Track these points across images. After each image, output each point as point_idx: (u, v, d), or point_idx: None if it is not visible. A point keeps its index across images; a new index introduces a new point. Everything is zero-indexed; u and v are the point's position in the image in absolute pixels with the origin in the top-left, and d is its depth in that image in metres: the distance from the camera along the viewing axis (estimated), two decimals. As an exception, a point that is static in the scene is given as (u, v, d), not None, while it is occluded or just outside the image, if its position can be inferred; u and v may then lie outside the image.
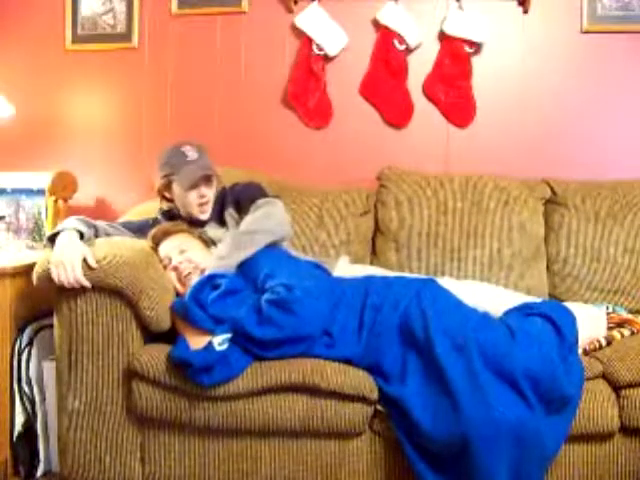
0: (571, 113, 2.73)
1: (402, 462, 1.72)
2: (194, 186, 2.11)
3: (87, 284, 1.75)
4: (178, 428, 1.82)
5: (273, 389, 1.75)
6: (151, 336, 1.87)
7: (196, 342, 1.73)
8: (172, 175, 2.12)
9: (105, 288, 1.78)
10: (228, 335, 1.73)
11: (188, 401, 1.76)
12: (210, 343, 1.71)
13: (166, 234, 2.00)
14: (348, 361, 1.79)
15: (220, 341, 1.71)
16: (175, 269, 1.93)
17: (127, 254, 1.82)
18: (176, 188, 2.14)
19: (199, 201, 2.13)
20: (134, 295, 1.78)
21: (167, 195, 2.20)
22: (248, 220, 2.03)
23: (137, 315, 1.81)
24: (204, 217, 2.15)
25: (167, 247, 1.97)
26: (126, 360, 1.81)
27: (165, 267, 1.95)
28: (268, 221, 2.02)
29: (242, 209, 2.11)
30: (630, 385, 1.72)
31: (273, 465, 1.80)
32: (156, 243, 1.99)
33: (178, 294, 1.91)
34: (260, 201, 2.08)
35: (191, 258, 1.93)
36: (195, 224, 2.14)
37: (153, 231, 2.02)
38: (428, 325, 1.72)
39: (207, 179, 2.14)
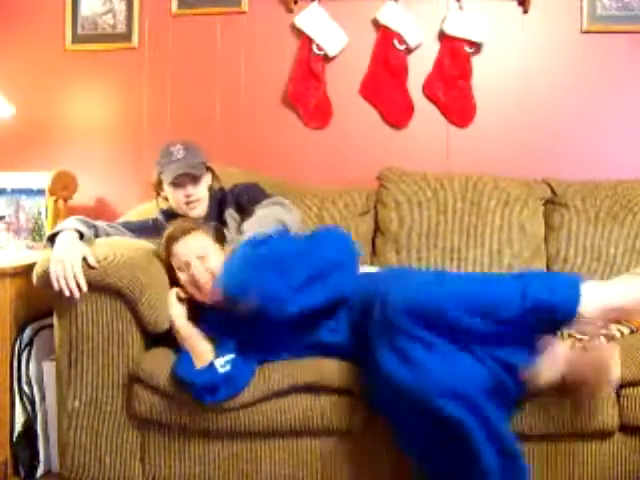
0: (571, 113, 2.73)
1: (402, 462, 1.72)
2: (178, 185, 2.12)
3: (85, 287, 1.74)
4: (178, 429, 1.82)
5: (275, 394, 1.75)
6: (152, 336, 1.87)
7: (199, 359, 1.75)
8: (160, 174, 2.15)
9: (105, 288, 1.78)
10: (231, 356, 1.74)
11: (189, 407, 1.76)
12: (212, 364, 1.71)
13: (184, 232, 1.88)
14: (352, 349, 1.79)
15: (222, 363, 1.72)
16: (192, 277, 1.83)
17: (127, 254, 1.82)
18: (165, 186, 2.16)
19: (185, 200, 2.13)
20: (134, 295, 1.78)
21: (161, 194, 2.22)
22: (259, 213, 2.03)
23: (137, 315, 1.81)
24: (193, 214, 2.14)
25: (185, 249, 1.86)
26: (126, 360, 1.81)
27: (179, 268, 1.86)
28: (281, 209, 2.05)
29: (245, 210, 2.11)
30: (630, 384, 1.72)
31: (273, 465, 1.80)
32: (173, 242, 1.88)
33: (179, 297, 1.88)
34: (265, 201, 2.09)
35: (209, 266, 1.83)
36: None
37: (170, 230, 1.90)
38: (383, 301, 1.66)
39: (193, 178, 2.13)
